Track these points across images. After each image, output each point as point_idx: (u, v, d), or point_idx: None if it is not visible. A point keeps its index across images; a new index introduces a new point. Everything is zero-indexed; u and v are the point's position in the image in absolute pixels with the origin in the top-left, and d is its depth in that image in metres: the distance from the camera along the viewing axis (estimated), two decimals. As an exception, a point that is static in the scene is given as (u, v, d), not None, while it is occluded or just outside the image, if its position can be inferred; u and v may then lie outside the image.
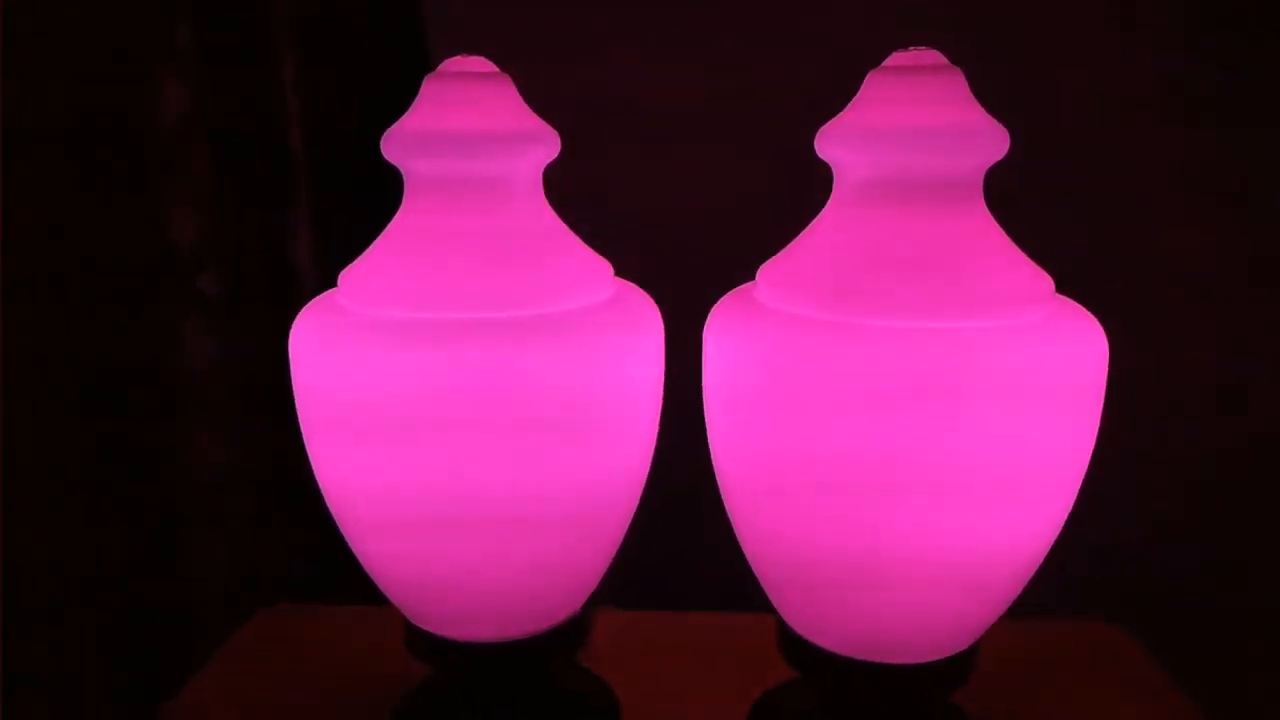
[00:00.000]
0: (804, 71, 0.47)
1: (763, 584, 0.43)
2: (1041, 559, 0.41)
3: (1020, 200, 0.42)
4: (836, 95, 0.40)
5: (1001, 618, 0.43)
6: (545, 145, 0.41)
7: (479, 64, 0.41)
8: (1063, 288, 0.39)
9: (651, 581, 0.58)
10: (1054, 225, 0.50)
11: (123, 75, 0.60)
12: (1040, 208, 0.52)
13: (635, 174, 0.65)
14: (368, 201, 0.54)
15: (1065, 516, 0.40)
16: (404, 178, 0.41)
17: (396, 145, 0.40)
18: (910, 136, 0.37)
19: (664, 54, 0.64)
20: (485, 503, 0.40)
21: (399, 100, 0.42)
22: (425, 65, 0.62)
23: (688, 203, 0.65)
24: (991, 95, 0.39)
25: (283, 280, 0.67)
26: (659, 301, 0.44)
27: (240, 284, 0.66)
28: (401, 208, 0.41)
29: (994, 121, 0.38)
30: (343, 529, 0.43)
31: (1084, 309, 0.39)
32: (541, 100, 0.42)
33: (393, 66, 0.69)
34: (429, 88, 0.40)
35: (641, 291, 0.44)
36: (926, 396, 0.35)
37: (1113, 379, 0.39)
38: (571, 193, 0.46)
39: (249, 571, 0.68)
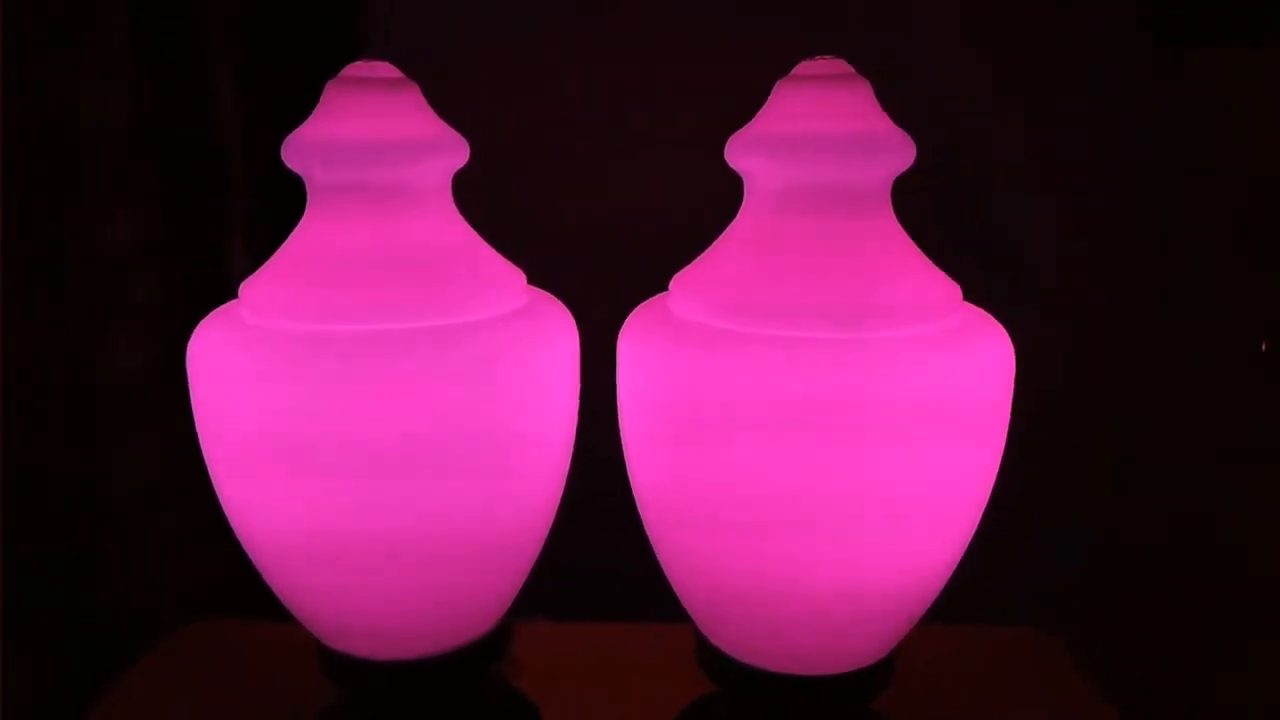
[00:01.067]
0: (725, 79, 0.46)
1: (679, 597, 0.43)
2: (955, 566, 0.41)
3: (928, 209, 0.42)
4: (756, 103, 0.40)
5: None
6: (452, 153, 0.40)
7: (383, 69, 0.40)
8: (970, 296, 0.40)
9: (579, 591, 0.57)
10: (961, 234, 0.51)
11: (52, 77, 0.58)
12: (948, 217, 0.52)
13: (559, 182, 0.65)
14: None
15: (977, 523, 0.40)
16: (306, 186, 0.40)
17: (296, 153, 0.39)
18: (816, 145, 0.37)
19: (581, 62, 0.63)
20: (393, 523, 0.39)
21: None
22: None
23: (610, 211, 0.64)
24: (900, 105, 0.39)
25: (217, 286, 0.66)
26: (580, 313, 0.44)
27: (173, 290, 0.64)
28: (304, 216, 0.40)
29: (900, 131, 0.38)
30: (246, 549, 0.42)
31: (991, 318, 0.39)
32: (462, 107, 0.42)
33: (332, 67, 0.68)
34: (330, 93, 0.39)
35: (556, 300, 0.43)
36: (836, 407, 0.35)
37: (1023, 386, 0.40)
38: (490, 201, 0.45)
39: (173, 586, 0.66)
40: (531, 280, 0.44)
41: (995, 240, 0.67)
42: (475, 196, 0.45)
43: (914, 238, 0.39)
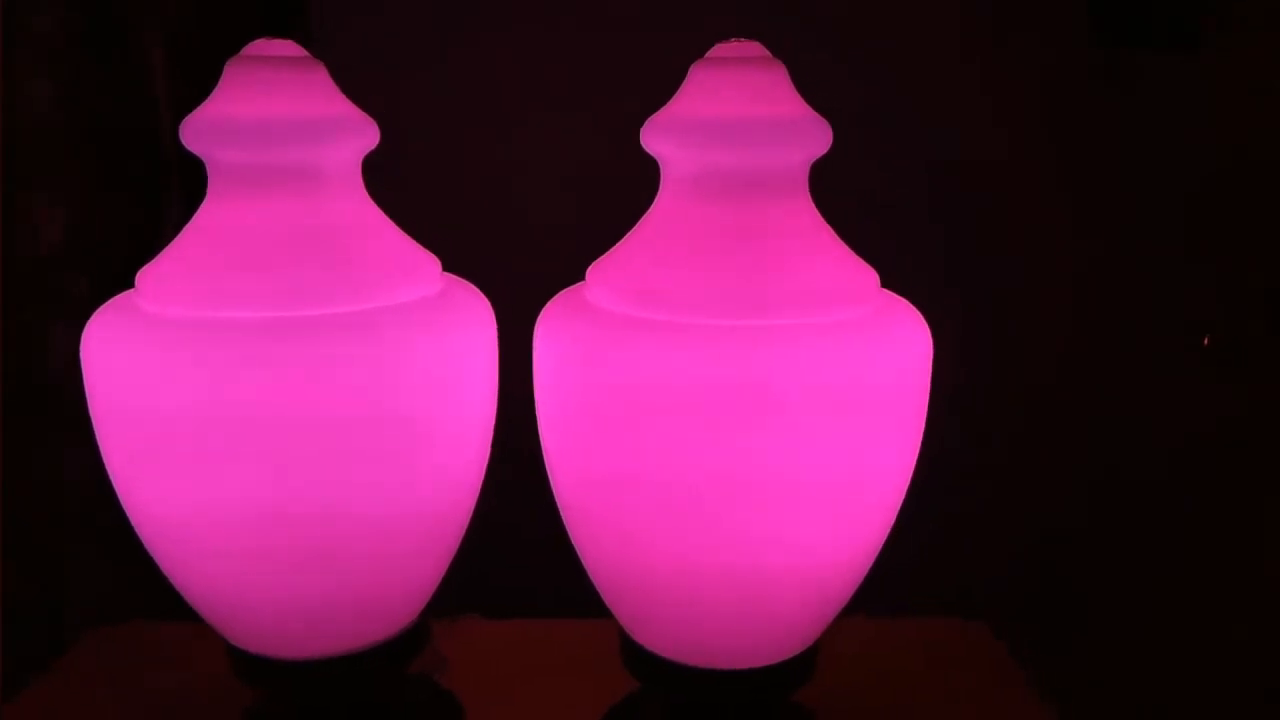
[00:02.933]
0: (646, 62, 0.46)
1: (600, 592, 0.42)
2: (875, 554, 0.41)
3: (846, 195, 0.42)
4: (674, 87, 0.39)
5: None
6: (360, 134, 0.39)
7: (286, 47, 0.38)
8: (887, 283, 0.39)
9: (503, 586, 0.56)
10: (878, 220, 0.51)
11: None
12: (865, 203, 0.52)
13: (483, 168, 0.64)
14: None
15: (895, 513, 0.40)
16: (207, 168, 0.38)
17: (195, 134, 0.37)
18: (731, 128, 0.36)
19: (499, 49, 0.62)
20: (300, 516, 0.37)
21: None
22: (324, 49, 0.60)
23: (536, 201, 0.63)
24: (815, 89, 0.38)
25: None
26: (506, 305, 0.43)
27: (110, 283, 0.62)
28: (205, 200, 0.39)
29: (816, 115, 0.37)
30: (148, 547, 0.40)
31: (908, 303, 0.39)
32: (384, 93, 0.40)
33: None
34: (230, 72, 0.38)
35: (471, 286, 0.42)
36: (748, 394, 0.35)
37: (943, 376, 0.40)
38: (420, 186, 0.44)
39: (85, 590, 0.64)
40: (460, 271, 0.43)
41: (929, 230, 0.67)
42: (401, 185, 0.44)
43: (833, 222, 0.39)
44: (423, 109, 0.59)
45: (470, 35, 0.61)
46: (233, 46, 0.39)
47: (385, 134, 0.40)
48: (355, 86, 0.40)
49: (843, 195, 0.42)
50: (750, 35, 0.38)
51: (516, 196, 0.63)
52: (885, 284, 0.40)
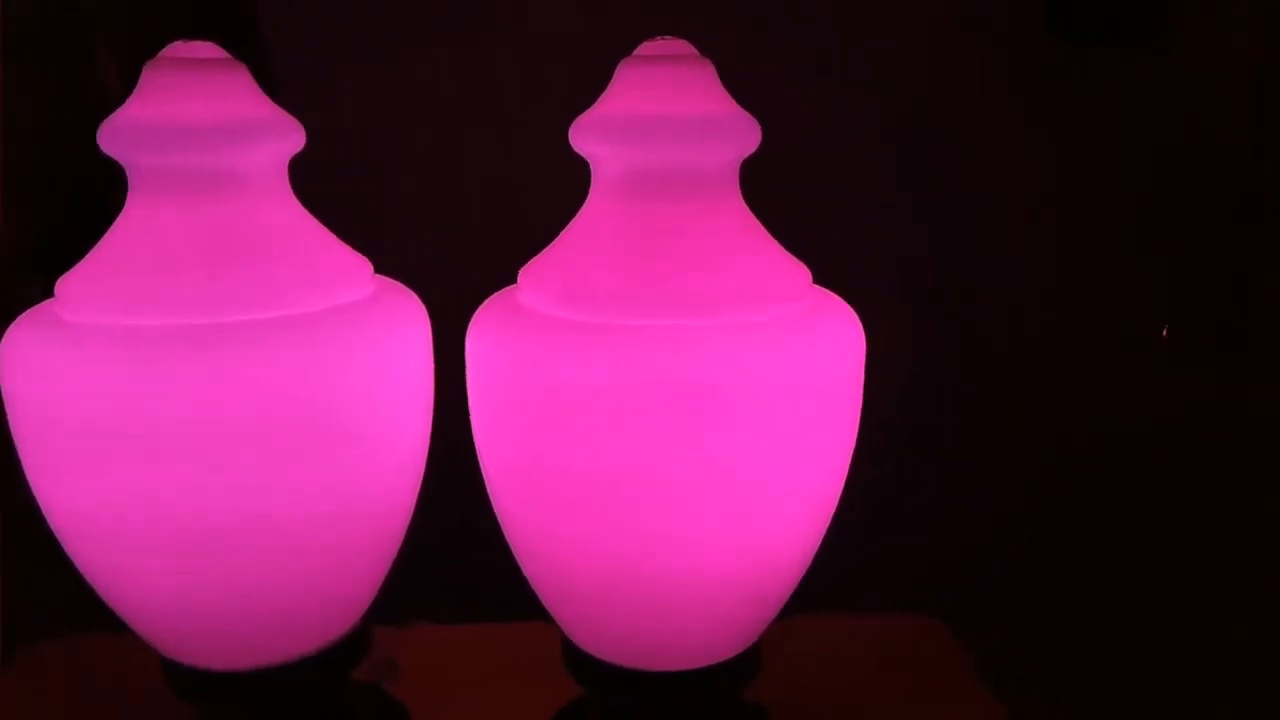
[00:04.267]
0: (578, 61, 0.45)
1: (539, 596, 0.42)
2: (813, 552, 0.41)
3: (777, 192, 0.42)
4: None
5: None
6: (284, 137, 0.38)
7: (206, 49, 0.38)
8: (820, 279, 0.39)
9: (445, 592, 0.56)
10: (811, 217, 0.51)
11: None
12: (797, 199, 0.52)
13: (419, 171, 0.63)
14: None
15: (832, 510, 0.40)
16: (127, 174, 0.38)
17: (112, 138, 0.36)
18: (659, 127, 0.36)
19: (432, 50, 0.62)
20: (230, 523, 0.37)
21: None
22: (259, 52, 0.58)
23: (474, 201, 0.63)
24: (746, 88, 0.38)
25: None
26: (441, 306, 0.42)
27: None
28: (125, 206, 0.38)
29: (744, 112, 0.37)
30: (73, 559, 0.39)
31: (841, 301, 0.39)
32: (322, 94, 0.40)
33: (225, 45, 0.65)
34: (149, 75, 0.37)
35: (405, 289, 0.42)
36: (684, 395, 0.34)
37: (878, 371, 0.40)
38: (355, 189, 0.44)
39: (18, 604, 0.63)
40: (404, 276, 0.43)
41: (874, 227, 0.67)
42: (336, 189, 0.44)
43: (764, 220, 0.39)
44: (358, 111, 0.58)
45: (404, 37, 0.61)
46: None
47: (319, 137, 0.40)
48: (293, 89, 0.40)
49: (781, 192, 0.42)
50: (680, 33, 0.38)
51: (455, 198, 0.63)
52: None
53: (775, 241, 0.39)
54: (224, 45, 0.39)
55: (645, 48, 0.37)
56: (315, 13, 0.60)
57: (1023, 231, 0.73)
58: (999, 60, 0.70)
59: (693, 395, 0.35)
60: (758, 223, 0.38)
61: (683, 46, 0.37)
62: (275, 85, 0.42)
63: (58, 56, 0.59)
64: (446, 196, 0.62)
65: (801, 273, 0.38)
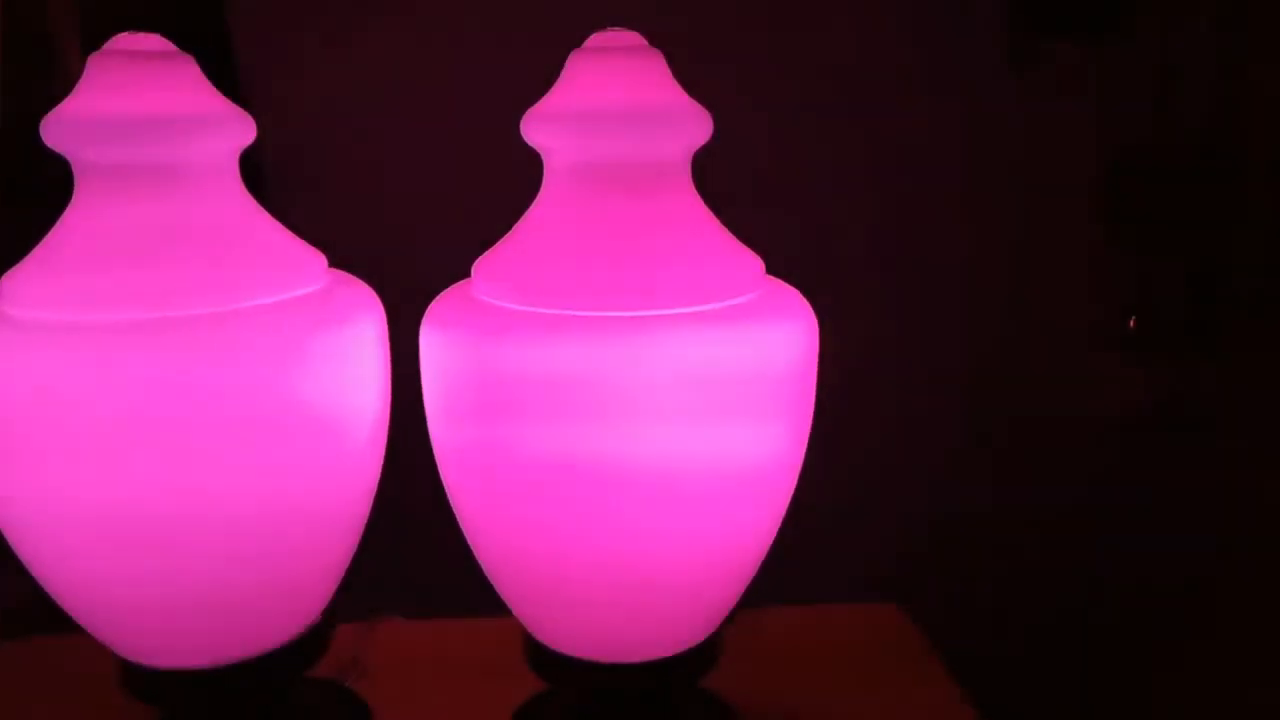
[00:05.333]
0: (530, 53, 0.45)
1: (497, 590, 0.42)
2: (771, 541, 0.41)
3: (730, 183, 0.42)
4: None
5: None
6: (234, 130, 0.38)
7: (152, 41, 0.37)
8: (773, 269, 0.40)
9: (419, 586, 0.55)
10: (764, 207, 0.51)
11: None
12: (750, 190, 0.52)
13: (377, 166, 0.63)
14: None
15: (789, 498, 0.40)
16: (73, 168, 0.37)
17: (56, 132, 0.36)
18: (610, 118, 0.36)
19: (393, 42, 0.61)
20: (183, 518, 0.36)
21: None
22: (227, 51, 0.58)
23: (431, 195, 0.62)
24: (695, 79, 0.38)
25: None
26: (399, 300, 0.42)
27: None
28: (72, 201, 0.37)
29: (695, 104, 0.37)
30: (24, 561, 0.39)
31: (794, 289, 0.40)
32: (292, 89, 0.39)
33: (188, 38, 0.64)
34: (94, 67, 0.36)
35: (359, 282, 0.42)
36: (638, 386, 0.35)
37: (835, 363, 0.40)
38: (322, 184, 0.43)
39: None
40: (366, 271, 0.42)
41: (828, 217, 0.68)
42: (297, 183, 0.43)
43: (717, 211, 0.39)
44: (312, 106, 0.58)
45: (356, 32, 0.60)
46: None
47: (280, 131, 0.40)
48: (249, 85, 0.39)
49: (734, 182, 0.42)
50: (633, 24, 0.38)
51: (411, 192, 0.63)
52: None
53: (728, 232, 0.39)
54: (191, 45, 0.38)
55: (595, 39, 0.37)
56: (271, 7, 0.60)
57: (985, 223, 0.74)
58: (960, 50, 0.70)
59: (646, 386, 0.35)
60: (710, 213, 0.39)
61: (633, 38, 0.37)
62: (237, 83, 0.41)
63: (24, 56, 0.58)
64: (403, 190, 0.62)
65: (754, 263, 0.39)
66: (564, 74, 0.37)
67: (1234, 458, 0.79)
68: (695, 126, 0.37)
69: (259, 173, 0.66)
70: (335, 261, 0.42)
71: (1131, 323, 0.85)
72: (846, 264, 0.68)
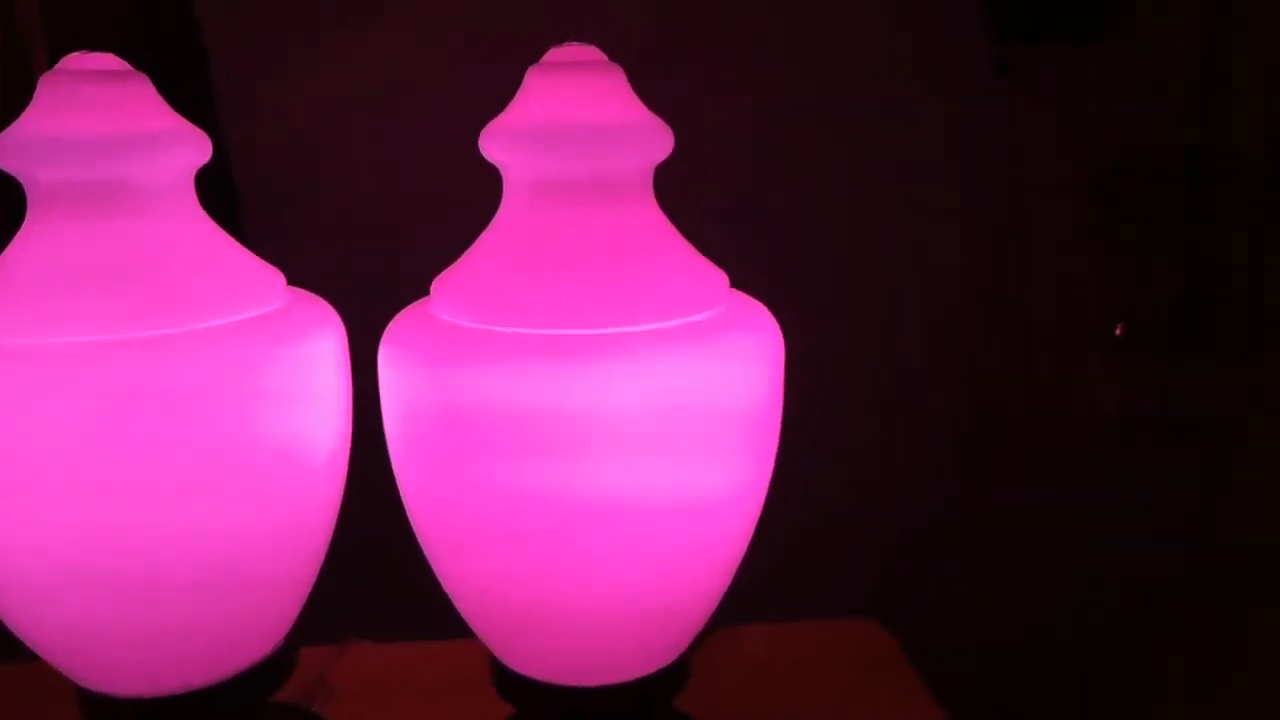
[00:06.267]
0: (490, 69, 0.45)
1: (459, 611, 0.41)
2: (740, 559, 0.40)
3: (694, 197, 0.42)
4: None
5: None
6: (189, 149, 0.37)
7: (106, 61, 0.37)
8: (737, 283, 0.39)
9: (388, 609, 0.55)
10: (728, 222, 0.51)
11: None
12: (714, 204, 0.52)
13: (337, 184, 0.62)
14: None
15: (757, 518, 0.40)
16: (25, 189, 0.37)
17: (8, 153, 0.35)
18: (566, 134, 0.36)
19: (356, 57, 0.61)
20: (143, 547, 0.36)
21: (165, 89, 0.38)
22: (201, 54, 0.57)
23: (395, 214, 0.62)
24: (656, 95, 0.38)
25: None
26: (360, 320, 0.41)
27: None
28: (25, 222, 0.37)
29: (655, 118, 0.37)
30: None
31: (759, 303, 0.39)
32: (255, 110, 0.39)
33: (164, 59, 0.63)
34: (45, 87, 0.36)
35: (320, 301, 0.41)
36: (602, 404, 0.34)
37: (801, 376, 0.40)
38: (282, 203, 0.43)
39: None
40: (333, 292, 0.42)
41: (762, 228, 0.67)
42: (271, 203, 0.43)
43: (681, 225, 0.39)
44: (273, 126, 0.57)
45: (317, 51, 0.60)
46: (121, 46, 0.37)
47: (234, 151, 0.39)
48: (208, 104, 0.39)
49: (700, 196, 0.42)
50: (603, 36, 0.38)
51: (373, 211, 0.62)
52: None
53: (691, 247, 0.38)
54: (163, 61, 0.38)
55: (553, 54, 0.37)
56: (237, 25, 0.60)
57: (969, 231, 0.73)
58: (946, 57, 0.70)
59: (608, 405, 0.34)
60: (673, 228, 0.38)
61: (592, 53, 0.37)
62: (212, 96, 0.41)
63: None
64: (364, 209, 0.62)
65: (718, 278, 0.38)
66: (522, 89, 0.37)
67: (1220, 461, 0.79)
68: (655, 142, 0.37)
69: (231, 188, 0.66)
70: (307, 276, 0.42)
71: (1118, 329, 0.85)
72: (823, 275, 0.67)
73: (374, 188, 0.63)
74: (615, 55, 0.37)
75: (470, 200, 0.42)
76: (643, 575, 0.37)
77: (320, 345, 0.39)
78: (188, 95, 0.63)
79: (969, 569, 0.75)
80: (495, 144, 0.37)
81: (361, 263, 0.57)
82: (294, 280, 0.41)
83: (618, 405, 0.34)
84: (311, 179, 0.61)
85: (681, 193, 0.40)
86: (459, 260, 0.39)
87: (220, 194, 0.59)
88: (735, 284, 0.39)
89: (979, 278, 0.74)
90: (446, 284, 0.38)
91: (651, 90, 0.38)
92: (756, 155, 0.66)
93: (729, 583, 0.40)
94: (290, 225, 0.45)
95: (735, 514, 0.38)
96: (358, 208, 0.63)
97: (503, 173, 0.38)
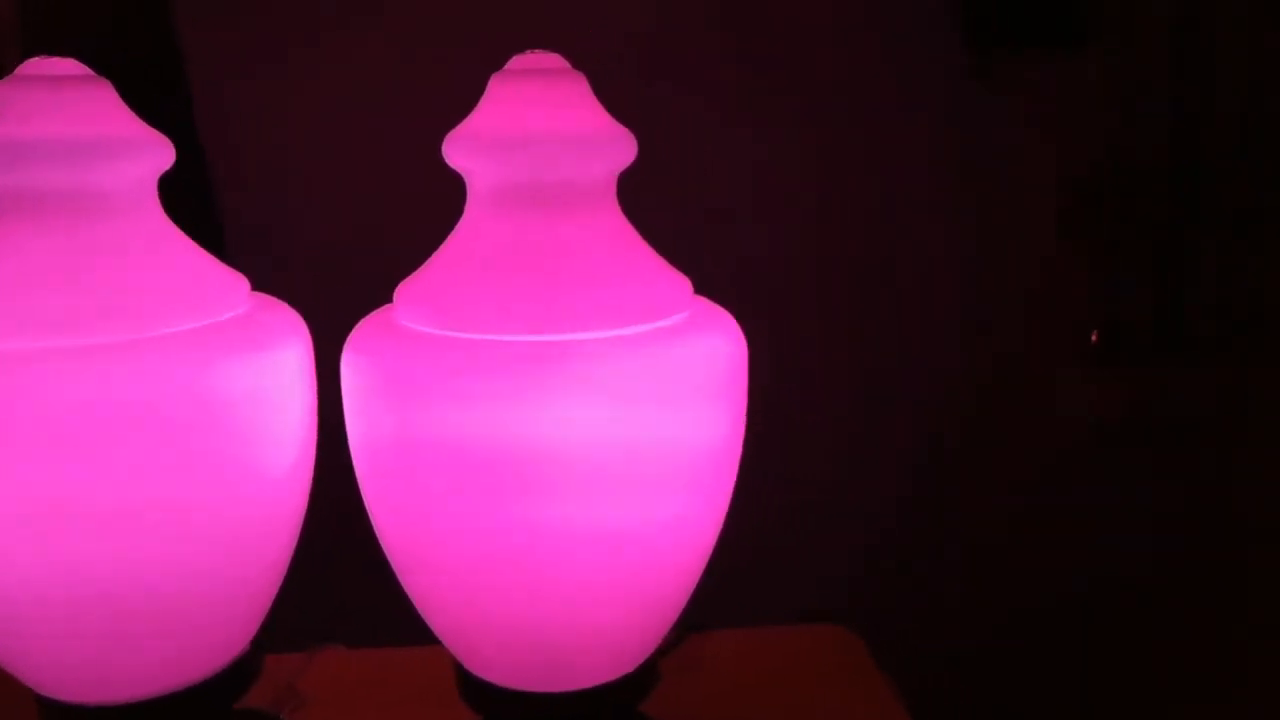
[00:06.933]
0: (456, 76, 0.45)
1: (425, 619, 0.41)
2: (704, 564, 0.41)
3: (658, 204, 0.42)
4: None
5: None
6: (151, 154, 0.37)
7: (67, 66, 0.37)
8: (701, 289, 0.39)
9: (358, 615, 0.55)
10: (692, 229, 0.51)
11: None
12: (678, 211, 0.52)
13: (304, 191, 0.62)
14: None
15: (722, 521, 0.40)
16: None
17: (-36, 158, 0.35)
18: (528, 142, 0.36)
19: (317, 65, 0.61)
20: (105, 552, 0.36)
21: (143, 93, 0.37)
22: (175, 53, 0.57)
23: (360, 221, 0.62)
24: (622, 103, 0.38)
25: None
26: (328, 329, 0.41)
27: None
28: (-16, 227, 0.37)
29: (619, 125, 0.37)
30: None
31: (723, 310, 0.39)
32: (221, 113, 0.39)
33: (139, 60, 0.63)
34: (3, 92, 0.36)
35: (285, 307, 0.41)
36: (564, 410, 0.34)
37: (783, 380, 0.40)
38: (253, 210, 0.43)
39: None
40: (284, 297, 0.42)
41: (726, 235, 0.67)
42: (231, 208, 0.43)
43: (646, 233, 0.39)
44: (239, 130, 0.57)
45: (283, 55, 0.60)
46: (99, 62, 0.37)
47: (201, 156, 0.39)
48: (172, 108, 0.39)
49: (665, 203, 0.42)
50: (569, 43, 0.38)
51: (340, 218, 0.62)
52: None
53: (655, 253, 0.38)
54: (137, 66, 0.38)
55: (516, 61, 0.37)
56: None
57: (943, 238, 0.74)
58: (920, 65, 0.70)
59: (571, 411, 0.34)
60: (637, 235, 0.38)
61: (554, 60, 0.37)
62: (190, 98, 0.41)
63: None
64: (331, 216, 0.62)
65: (682, 284, 0.38)
66: (485, 96, 0.37)
67: (1194, 464, 0.79)
68: (617, 149, 0.37)
69: (210, 195, 0.65)
70: (287, 283, 0.42)
71: (1094, 336, 0.86)
72: (795, 280, 0.67)
73: (349, 194, 0.63)
74: (585, 60, 0.37)
75: (449, 207, 0.42)
76: (606, 580, 0.37)
77: (284, 352, 0.39)
78: (163, 100, 0.62)
79: (940, 575, 0.75)
80: (458, 151, 0.37)
81: (336, 270, 0.57)
82: (273, 287, 0.41)
83: (579, 412, 0.34)
84: (284, 188, 0.61)
85: (654, 198, 0.40)
86: (422, 267, 0.39)
87: (198, 201, 0.58)
88: (703, 290, 0.39)
89: (954, 282, 0.74)
90: (409, 291, 0.38)
91: (623, 96, 0.38)
92: (727, 159, 0.66)
93: (694, 586, 0.40)
94: (265, 233, 0.45)
95: (698, 521, 0.39)
96: (333, 215, 0.63)
97: (466, 179, 0.38)
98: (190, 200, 0.40)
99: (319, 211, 0.62)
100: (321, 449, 0.42)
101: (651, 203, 0.41)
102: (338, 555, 0.49)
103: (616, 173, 0.38)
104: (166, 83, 0.63)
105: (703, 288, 0.40)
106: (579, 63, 0.37)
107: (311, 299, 0.43)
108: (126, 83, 0.39)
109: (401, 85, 0.61)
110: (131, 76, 0.38)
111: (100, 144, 0.36)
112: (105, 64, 0.38)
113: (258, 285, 0.41)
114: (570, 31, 0.46)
